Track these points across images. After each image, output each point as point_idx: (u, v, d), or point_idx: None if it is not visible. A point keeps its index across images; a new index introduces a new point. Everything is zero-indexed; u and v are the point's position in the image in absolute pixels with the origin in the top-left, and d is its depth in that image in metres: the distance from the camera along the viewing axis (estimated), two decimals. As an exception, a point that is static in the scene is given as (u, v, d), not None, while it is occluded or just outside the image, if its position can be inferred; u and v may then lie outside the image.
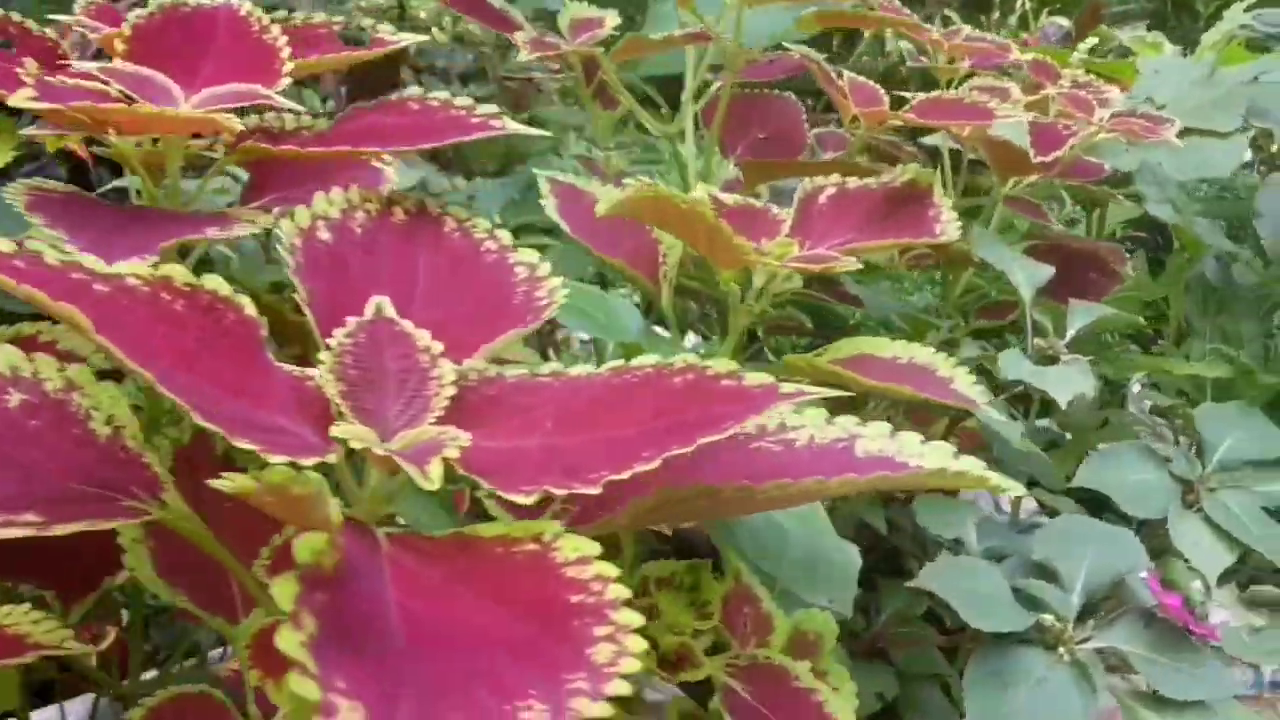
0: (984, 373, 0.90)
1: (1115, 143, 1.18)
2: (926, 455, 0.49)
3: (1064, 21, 2.40)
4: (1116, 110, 1.03)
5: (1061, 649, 0.75)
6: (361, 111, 0.63)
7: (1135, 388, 1.18)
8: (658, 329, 0.83)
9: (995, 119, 0.92)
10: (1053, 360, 0.90)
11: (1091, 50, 1.65)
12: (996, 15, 3.05)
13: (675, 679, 0.61)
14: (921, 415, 0.99)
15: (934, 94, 0.95)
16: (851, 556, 0.59)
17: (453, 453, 0.39)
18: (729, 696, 0.62)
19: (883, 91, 0.95)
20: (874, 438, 0.50)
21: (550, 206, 0.76)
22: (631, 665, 0.34)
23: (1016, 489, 0.49)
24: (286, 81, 0.62)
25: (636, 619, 0.36)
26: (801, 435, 0.50)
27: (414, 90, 0.63)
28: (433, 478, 0.38)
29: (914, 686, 0.88)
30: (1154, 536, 0.89)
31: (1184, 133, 1.22)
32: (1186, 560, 0.84)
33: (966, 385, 0.68)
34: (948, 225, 0.77)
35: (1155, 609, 0.77)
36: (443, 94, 0.62)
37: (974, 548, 0.81)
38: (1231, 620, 0.82)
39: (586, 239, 0.76)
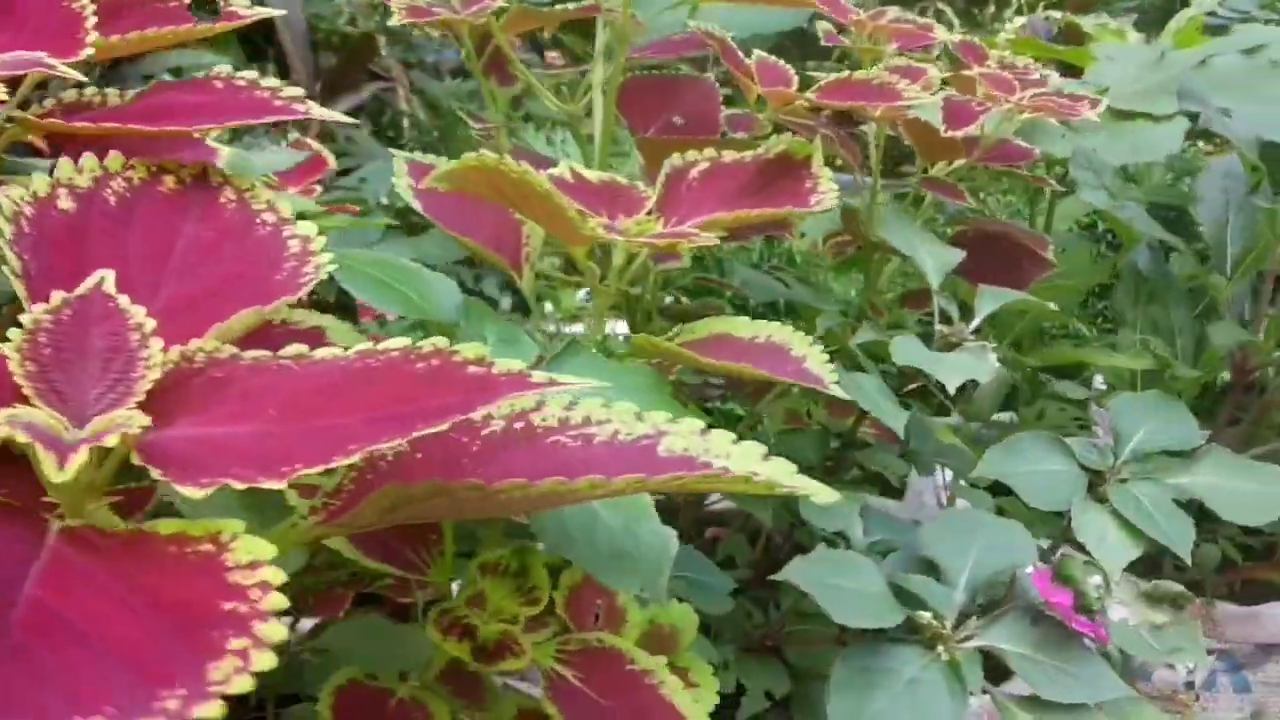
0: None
1: (1049, 127, 1.13)
2: (734, 457, 0.45)
3: (1058, 15, 2.34)
4: (1041, 91, 0.98)
5: (941, 648, 0.70)
6: (164, 88, 0.59)
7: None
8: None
9: (902, 99, 0.87)
10: (955, 347, 0.84)
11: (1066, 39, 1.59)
12: (992, 9, 2.98)
13: (494, 668, 0.56)
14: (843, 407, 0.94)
15: (842, 74, 0.90)
16: (667, 542, 0.54)
17: (112, 440, 0.35)
18: (553, 682, 0.58)
19: (792, 72, 0.90)
20: (682, 436, 0.46)
21: (403, 186, 0.72)
22: (244, 684, 0.30)
23: (827, 495, 0.44)
24: (88, 52, 0.58)
25: (279, 633, 0.32)
26: (604, 431, 0.46)
27: (224, 68, 0.59)
28: (67, 470, 0.33)
29: (807, 684, 0.83)
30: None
31: (1124, 117, 1.17)
32: (1087, 555, 0.78)
33: (817, 365, 0.64)
34: (824, 196, 0.73)
35: (1043, 606, 0.72)
36: (251, 74, 0.58)
37: (859, 542, 0.76)
38: (1131, 617, 0.77)
39: (441, 219, 0.71)
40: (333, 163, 1.03)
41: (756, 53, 0.90)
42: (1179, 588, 0.77)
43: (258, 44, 2.18)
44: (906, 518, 0.92)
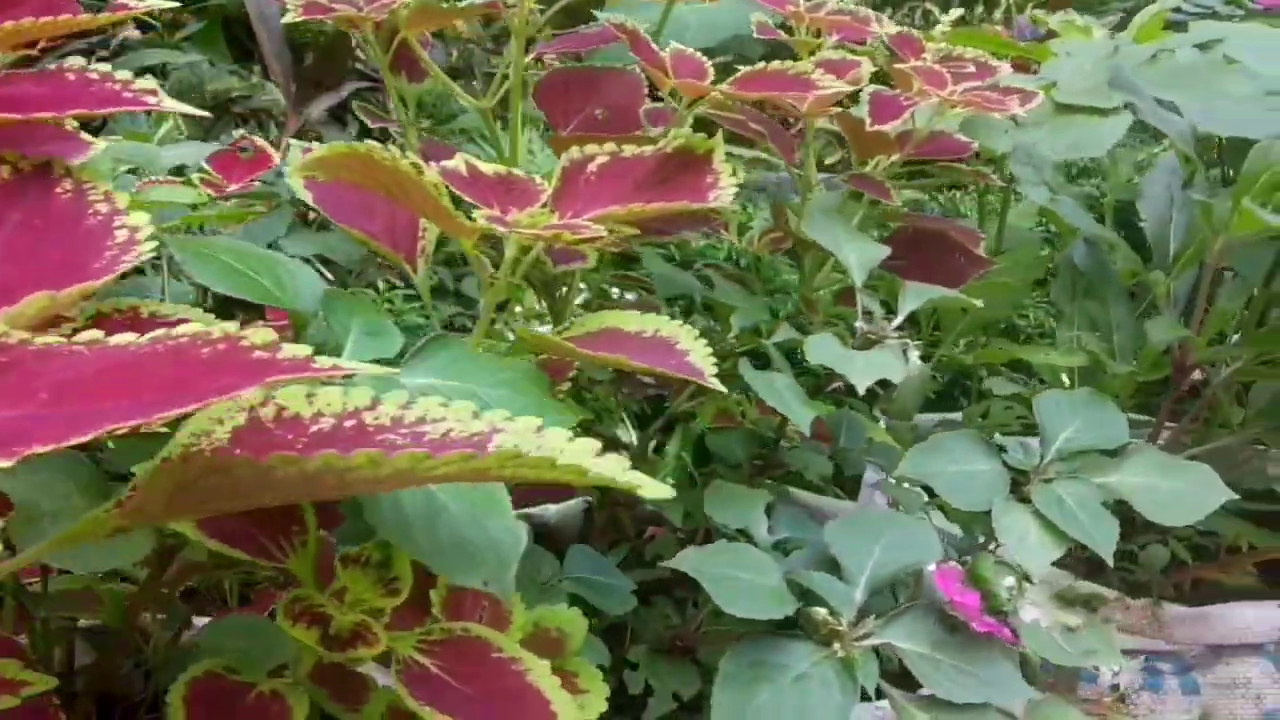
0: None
1: (992, 122, 1.10)
2: (566, 454, 0.43)
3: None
4: (974, 85, 0.95)
5: (836, 645, 0.67)
6: (17, 78, 0.57)
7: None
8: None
9: (817, 89, 0.85)
10: (876, 344, 0.82)
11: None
12: (981, 9, 2.95)
13: (342, 656, 0.54)
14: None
15: (758, 66, 0.87)
16: (515, 536, 0.52)
17: None
18: (410, 669, 0.55)
19: (707, 64, 0.88)
20: (515, 434, 0.44)
21: (296, 179, 0.70)
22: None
23: (660, 492, 0.43)
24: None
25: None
26: (438, 429, 0.45)
27: (76, 60, 0.57)
28: None
29: (720, 686, 0.80)
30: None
31: (1070, 111, 1.14)
32: (997, 556, 0.76)
33: (700, 359, 0.62)
34: (723, 192, 0.70)
35: (946, 606, 0.69)
36: (104, 67, 0.57)
37: (763, 539, 0.74)
38: (1044, 619, 0.74)
39: (334, 212, 0.69)
40: (277, 159, 1.02)
41: (672, 44, 0.88)
42: (1092, 589, 0.75)
43: (245, 44, 2.17)
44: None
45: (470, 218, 0.64)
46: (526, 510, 1.12)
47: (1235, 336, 1.01)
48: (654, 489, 0.43)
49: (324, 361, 0.39)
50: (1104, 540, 0.78)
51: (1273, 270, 0.97)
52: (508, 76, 0.88)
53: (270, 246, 0.78)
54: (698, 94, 0.87)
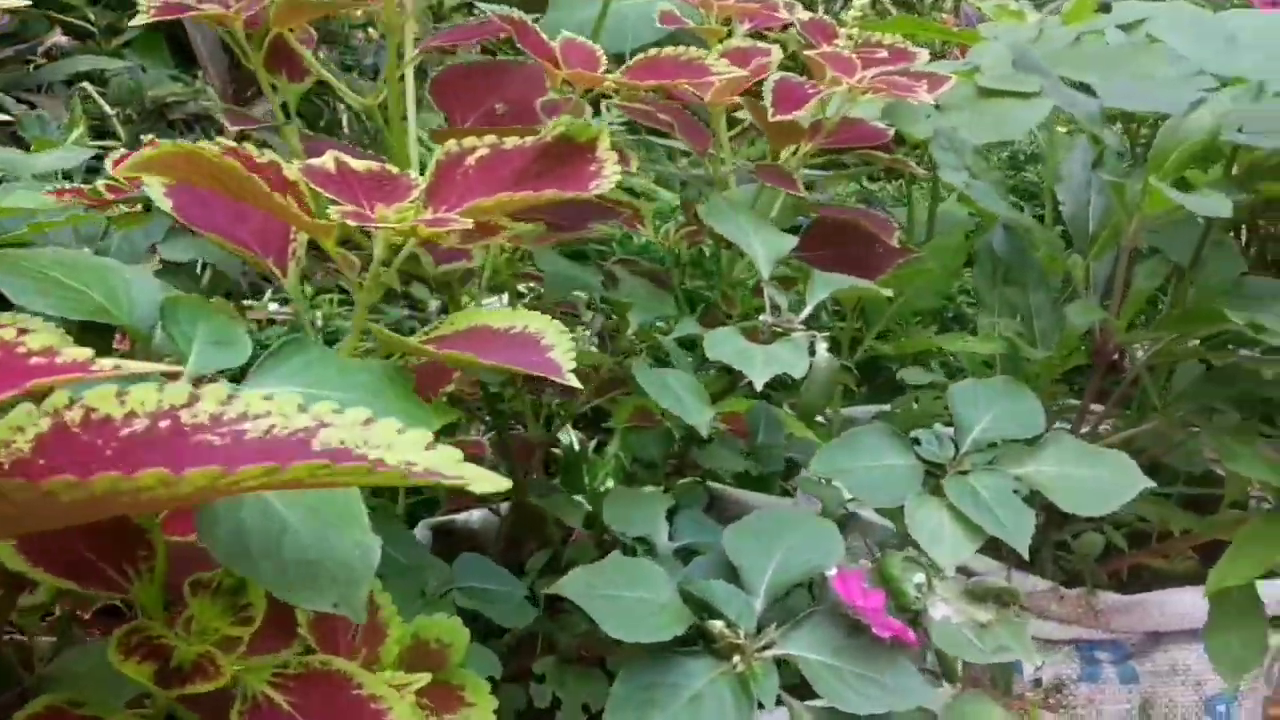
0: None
1: (912, 108, 1.06)
2: (394, 447, 0.40)
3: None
4: (885, 70, 0.91)
5: (737, 659, 0.63)
6: None
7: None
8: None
9: (712, 76, 0.81)
10: (780, 338, 0.78)
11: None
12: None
13: (178, 692, 0.50)
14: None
15: (652, 53, 0.83)
16: (367, 552, 0.48)
17: None
18: (258, 706, 0.51)
19: (600, 53, 0.84)
20: (342, 428, 0.41)
21: (154, 185, 0.65)
22: None
23: (488, 483, 0.40)
24: None
25: None
26: (259, 426, 0.41)
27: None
28: None
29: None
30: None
31: (993, 95, 1.10)
32: (909, 553, 0.72)
33: (560, 354, 0.57)
34: (606, 180, 0.66)
35: (848, 610, 0.65)
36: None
37: (663, 547, 0.70)
38: (954, 616, 0.70)
39: (198, 218, 0.65)
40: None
41: (563, 33, 0.84)
42: (1003, 584, 0.71)
43: (188, 49, 2.12)
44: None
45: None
46: (452, 516, 1.08)
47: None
48: (487, 483, 0.40)
49: (105, 363, 0.35)
50: (1019, 533, 0.74)
51: (1198, 249, 0.93)
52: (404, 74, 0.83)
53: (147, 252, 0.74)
54: (590, 84, 0.82)
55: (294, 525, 0.48)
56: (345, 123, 2.13)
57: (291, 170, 0.62)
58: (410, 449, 0.40)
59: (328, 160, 0.65)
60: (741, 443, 0.89)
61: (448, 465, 0.40)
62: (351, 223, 0.59)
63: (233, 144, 0.60)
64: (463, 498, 1.05)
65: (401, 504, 1.11)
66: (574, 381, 0.57)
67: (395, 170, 0.67)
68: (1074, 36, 1.15)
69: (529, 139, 0.68)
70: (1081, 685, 1.04)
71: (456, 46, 1.02)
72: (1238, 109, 0.76)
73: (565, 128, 0.68)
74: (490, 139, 0.68)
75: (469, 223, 0.60)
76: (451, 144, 0.67)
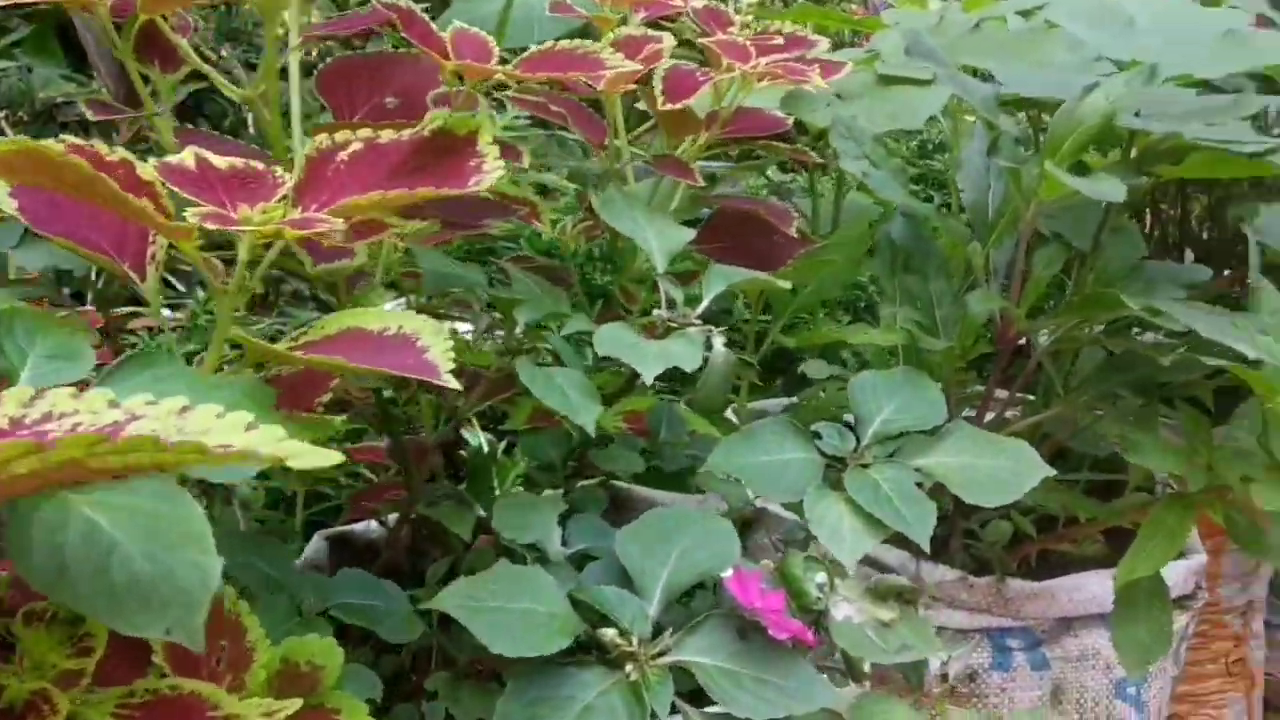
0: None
1: (813, 96, 1.04)
2: (213, 432, 0.38)
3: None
4: (780, 58, 0.89)
5: (630, 667, 0.60)
6: None
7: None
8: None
9: (605, 68, 0.77)
10: (675, 333, 0.75)
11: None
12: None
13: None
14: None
15: (545, 45, 0.80)
16: (204, 572, 0.44)
17: None
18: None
19: (493, 44, 0.80)
20: (155, 419, 0.38)
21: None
22: None
23: (314, 458, 0.38)
24: None
25: None
26: (64, 424, 0.38)
27: None
28: None
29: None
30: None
31: (892, 83, 1.08)
32: (811, 552, 0.69)
33: (437, 355, 0.54)
34: (487, 175, 0.63)
35: (745, 613, 0.63)
36: None
37: (556, 553, 0.66)
38: (856, 615, 0.67)
39: (45, 221, 0.60)
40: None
41: (455, 23, 0.80)
42: (904, 581, 0.68)
43: (80, 47, 2.04)
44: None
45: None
46: (350, 526, 1.04)
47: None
48: (310, 458, 0.36)
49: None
50: (920, 526, 0.72)
51: (1097, 234, 0.92)
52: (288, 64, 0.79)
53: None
54: (480, 76, 0.79)
55: (124, 546, 0.44)
56: (251, 122, 2.06)
57: (146, 169, 0.57)
58: (228, 432, 0.38)
59: (187, 157, 0.61)
60: (643, 441, 0.86)
61: (266, 444, 0.37)
62: (210, 225, 0.55)
63: (79, 141, 0.56)
64: (362, 506, 1.01)
65: (300, 515, 1.06)
66: (452, 383, 0.54)
67: (262, 167, 0.63)
68: (974, 23, 1.14)
69: (406, 133, 0.65)
70: (993, 674, 1.03)
71: (354, 38, 0.98)
72: (1131, 93, 0.75)
73: (443, 121, 0.64)
74: (365, 133, 0.65)
75: (339, 223, 0.57)
76: (323, 138, 0.64)
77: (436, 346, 0.54)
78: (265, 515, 1.01)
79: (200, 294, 1.23)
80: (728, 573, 0.62)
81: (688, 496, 1.01)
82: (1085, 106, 0.73)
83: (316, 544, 0.96)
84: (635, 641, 0.60)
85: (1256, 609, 1.30)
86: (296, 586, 0.65)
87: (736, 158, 1.24)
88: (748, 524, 1.00)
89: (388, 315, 0.58)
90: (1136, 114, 0.82)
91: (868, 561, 0.95)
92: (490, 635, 0.57)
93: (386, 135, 0.65)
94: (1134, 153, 0.86)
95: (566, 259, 0.92)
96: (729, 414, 1.08)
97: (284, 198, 0.61)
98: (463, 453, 1.03)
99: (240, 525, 0.90)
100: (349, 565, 0.94)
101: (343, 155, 0.63)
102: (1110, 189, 0.69)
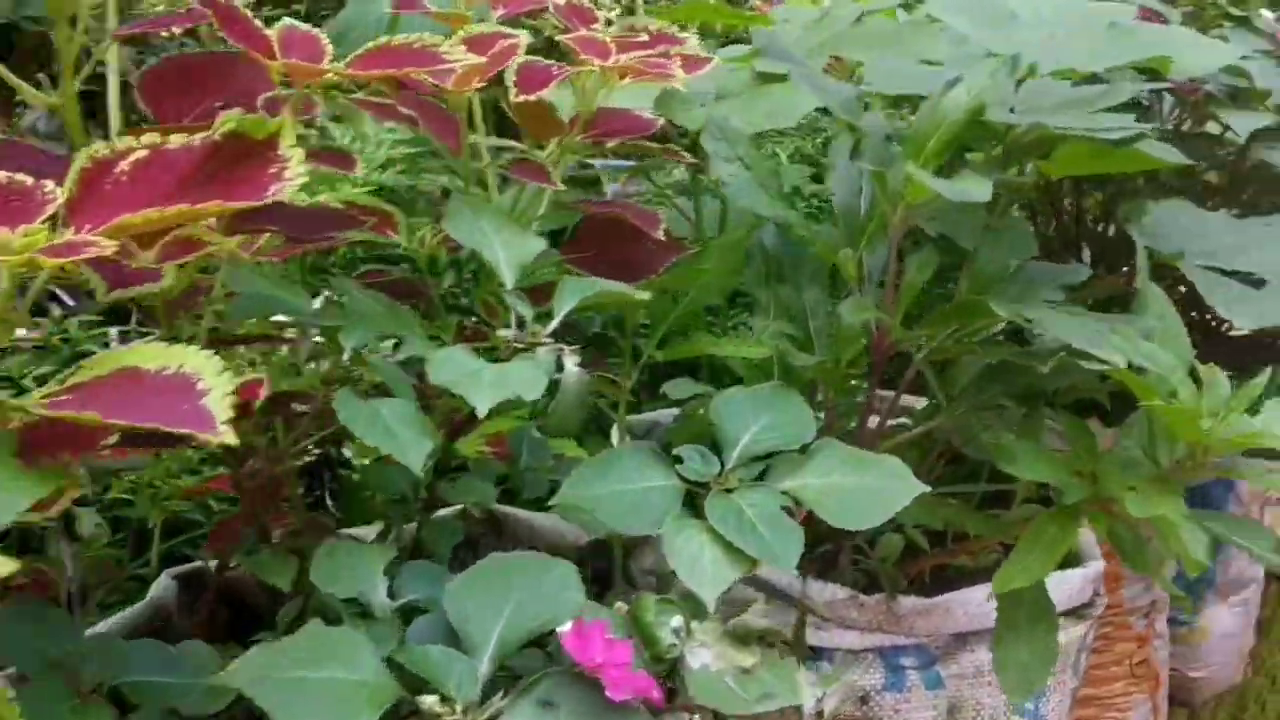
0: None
1: (687, 96, 0.97)
2: None
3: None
4: (643, 54, 0.82)
5: (455, 735, 0.53)
6: None
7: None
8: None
9: (443, 63, 0.70)
10: (522, 354, 0.68)
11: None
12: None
13: None
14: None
15: (381, 40, 0.73)
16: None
17: None
18: None
19: (325, 43, 0.73)
20: None
21: None
22: None
23: None
24: None
25: None
26: None
27: None
28: None
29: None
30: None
31: (770, 81, 1.02)
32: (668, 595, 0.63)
33: (214, 401, 0.46)
34: (288, 183, 0.55)
35: (580, 670, 0.56)
36: None
37: (381, 606, 0.59)
38: (715, 663, 0.61)
39: None
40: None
41: (286, 20, 0.72)
42: (765, 623, 0.62)
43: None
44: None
45: None
46: (199, 564, 0.95)
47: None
48: None
49: None
50: (786, 555, 0.66)
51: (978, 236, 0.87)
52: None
53: None
54: (309, 76, 0.71)
55: None
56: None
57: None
58: None
59: None
60: (505, 466, 0.79)
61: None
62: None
63: None
64: (219, 540, 0.92)
65: (155, 550, 0.98)
66: (229, 437, 0.46)
67: (30, 182, 0.55)
68: (857, 18, 1.08)
69: (198, 137, 0.57)
70: (886, 695, 0.97)
71: (183, 39, 0.90)
72: (997, 85, 0.69)
73: (237, 123, 0.56)
74: (150, 138, 0.57)
75: (111, 246, 0.49)
76: (99, 147, 0.56)
77: (217, 390, 0.47)
78: (111, 554, 0.92)
79: None
80: (565, 627, 0.55)
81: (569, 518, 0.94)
82: (948, 102, 0.67)
83: (164, 583, 0.88)
84: (460, 708, 0.53)
85: (1160, 609, 1.27)
86: (78, 664, 0.56)
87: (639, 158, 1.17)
88: (628, 551, 0.94)
89: (168, 352, 0.50)
90: (1011, 110, 0.76)
91: (751, 582, 0.89)
92: (285, 711, 0.49)
93: (176, 140, 0.57)
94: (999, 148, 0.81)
95: (423, 271, 0.84)
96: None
97: (51, 217, 0.53)
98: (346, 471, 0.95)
99: (68, 569, 0.81)
100: (198, 606, 0.86)
101: (123, 165, 0.56)
102: (974, 190, 0.64)
